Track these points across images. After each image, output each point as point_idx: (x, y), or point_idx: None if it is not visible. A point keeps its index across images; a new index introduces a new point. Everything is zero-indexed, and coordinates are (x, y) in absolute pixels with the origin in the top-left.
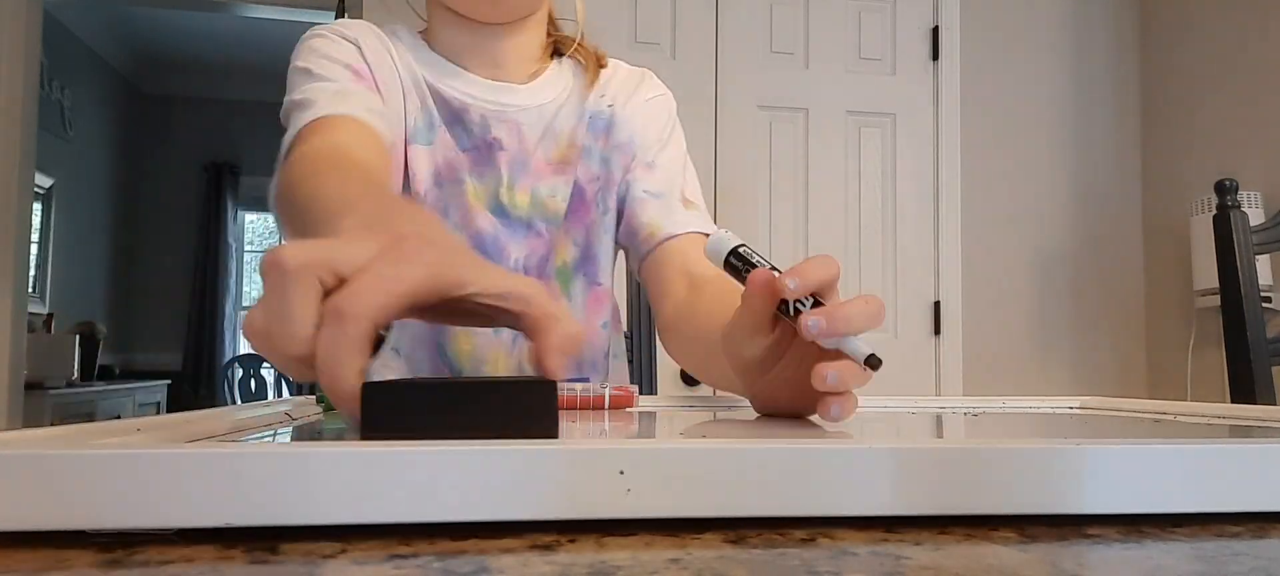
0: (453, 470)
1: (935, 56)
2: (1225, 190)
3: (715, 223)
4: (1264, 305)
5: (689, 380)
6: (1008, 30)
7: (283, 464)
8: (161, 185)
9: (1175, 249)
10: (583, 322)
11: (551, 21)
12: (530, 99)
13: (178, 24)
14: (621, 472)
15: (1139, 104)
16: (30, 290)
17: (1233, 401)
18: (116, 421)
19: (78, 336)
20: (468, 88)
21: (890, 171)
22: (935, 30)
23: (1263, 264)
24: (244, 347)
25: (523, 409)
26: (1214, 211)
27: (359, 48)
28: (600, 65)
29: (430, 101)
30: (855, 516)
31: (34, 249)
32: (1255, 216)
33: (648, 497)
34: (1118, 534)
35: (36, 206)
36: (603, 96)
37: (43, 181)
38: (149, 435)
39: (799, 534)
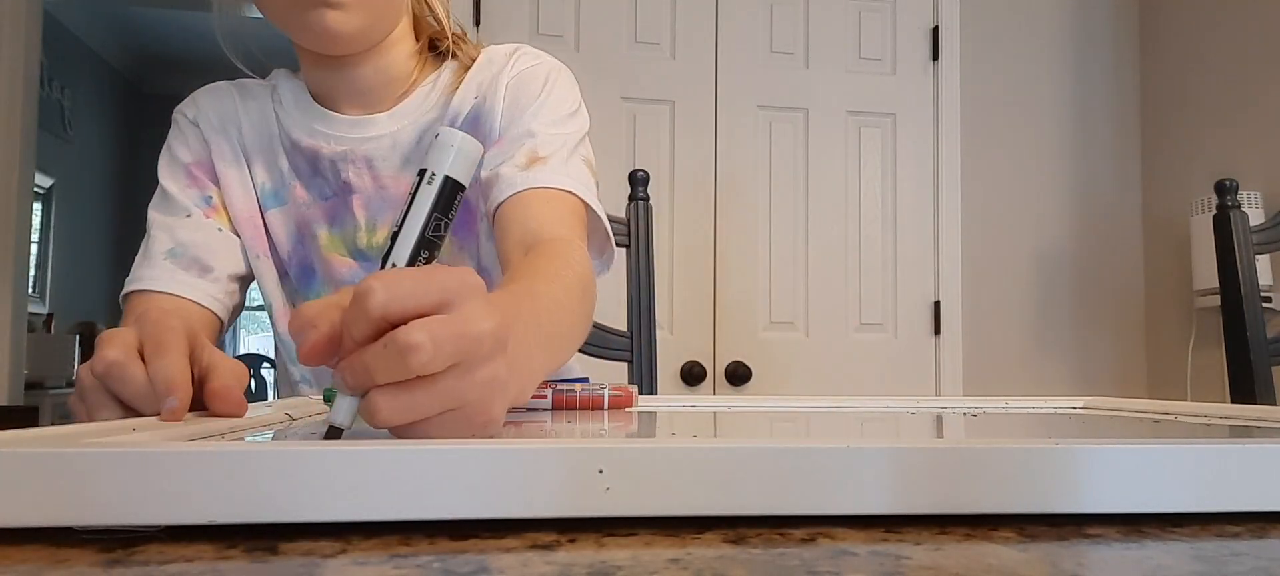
0: (453, 470)
1: (935, 56)
2: (1225, 190)
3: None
4: (1264, 305)
5: (689, 380)
6: (1008, 30)
7: (283, 463)
8: None
9: (1175, 249)
10: None
11: (419, 25)
12: (388, 126)
13: (178, 24)
14: (600, 471)
15: (1139, 104)
16: (30, 290)
17: (1233, 401)
18: (116, 421)
19: (78, 336)
20: (328, 129)
21: (890, 171)
22: (935, 30)
23: (1263, 264)
24: (244, 348)
25: None
26: (1214, 211)
27: (199, 130)
28: (472, 58)
29: (283, 161)
30: (855, 516)
31: (34, 249)
32: (1255, 216)
33: (632, 497)
34: (1118, 534)
35: (36, 206)
36: (474, 95)
37: (43, 181)
38: (149, 434)
39: (799, 534)
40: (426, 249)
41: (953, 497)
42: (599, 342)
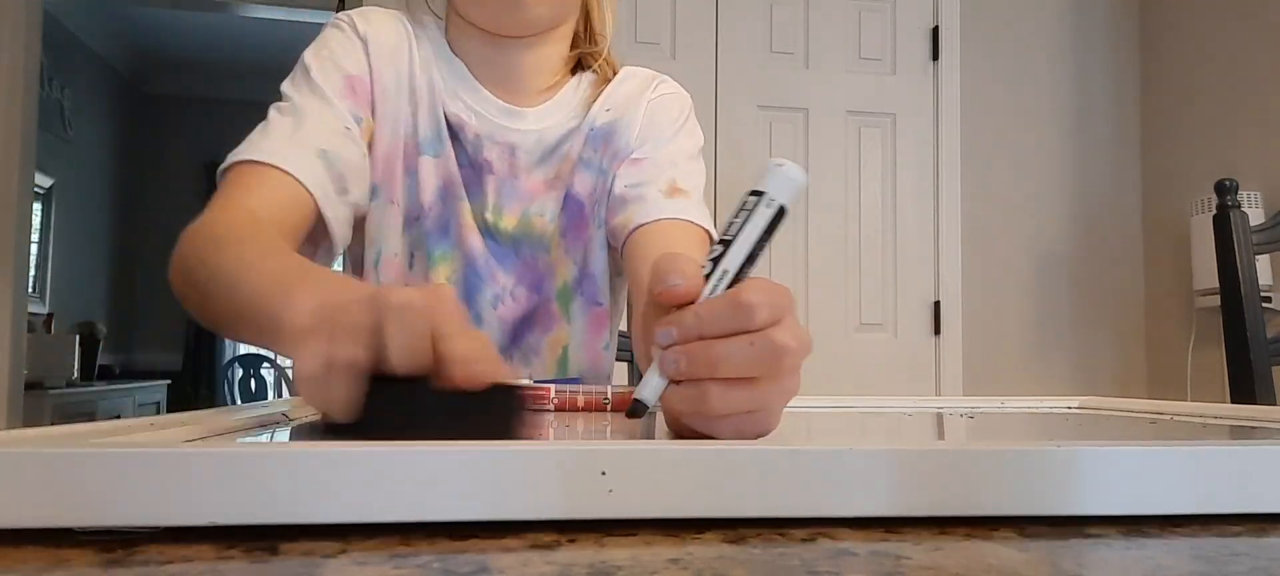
0: (454, 471)
1: (935, 56)
2: (1225, 190)
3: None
4: (1264, 305)
5: None
6: (1008, 30)
7: (283, 463)
8: (161, 185)
9: (1175, 249)
10: (584, 344)
11: (580, 33)
12: (535, 123)
13: (178, 24)
14: (603, 473)
15: (1139, 104)
16: (30, 290)
17: (1233, 401)
18: (115, 421)
19: (78, 336)
20: (473, 103)
21: (890, 171)
22: (935, 30)
23: (1263, 264)
24: (244, 348)
25: (488, 412)
26: (1214, 211)
27: (366, 49)
28: (610, 75)
29: (441, 112)
30: (855, 516)
31: (34, 249)
32: (1255, 216)
33: (634, 498)
34: (1118, 534)
35: (36, 206)
36: (607, 109)
37: (43, 181)
38: (149, 434)
39: (799, 534)
40: (751, 264)
41: (953, 498)
42: None
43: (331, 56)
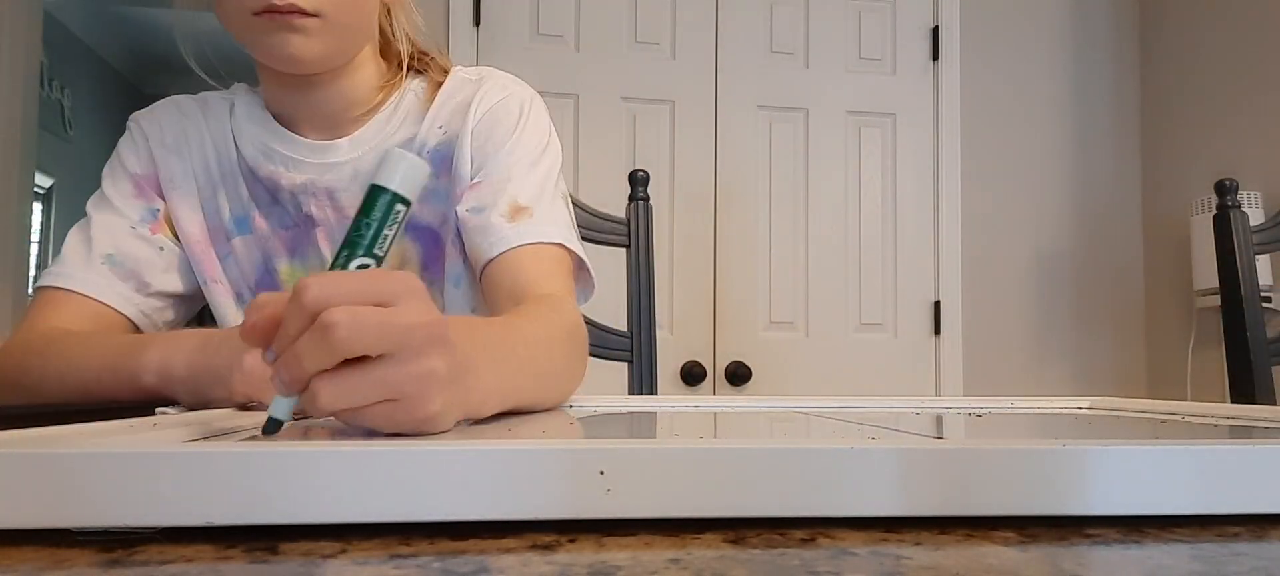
0: (454, 471)
1: (935, 56)
2: (1225, 190)
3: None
4: (1264, 305)
5: (689, 380)
6: (1008, 30)
7: (283, 463)
8: None
9: (1175, 249)
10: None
11: (387, 48)
12: (350, 152)
13: (178, 24)
14: (602, 472)
15: (1139, 104)
16: (30, 290)
17: (1232, 401)
18: (115, 421)
19: None
20: (287, 151)
21: (890, 171)
22: (935, 30)
23: (1263, 264)
24: None
25: None
26: (1214, 211)
27: (148, 145)
28: (438, 80)
29: (243, 189)
30: (855, 516)
31: (34, 249)
32: (1255, 216)
33: (633, 497)
34: (1118, 534)
35: (36, 206)
36: (439, 126)
37: (43, 181)
38: (149, 434)
39: (799, 534)
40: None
41: (953, 498)
42: (599, 343)
43: (120, 162)
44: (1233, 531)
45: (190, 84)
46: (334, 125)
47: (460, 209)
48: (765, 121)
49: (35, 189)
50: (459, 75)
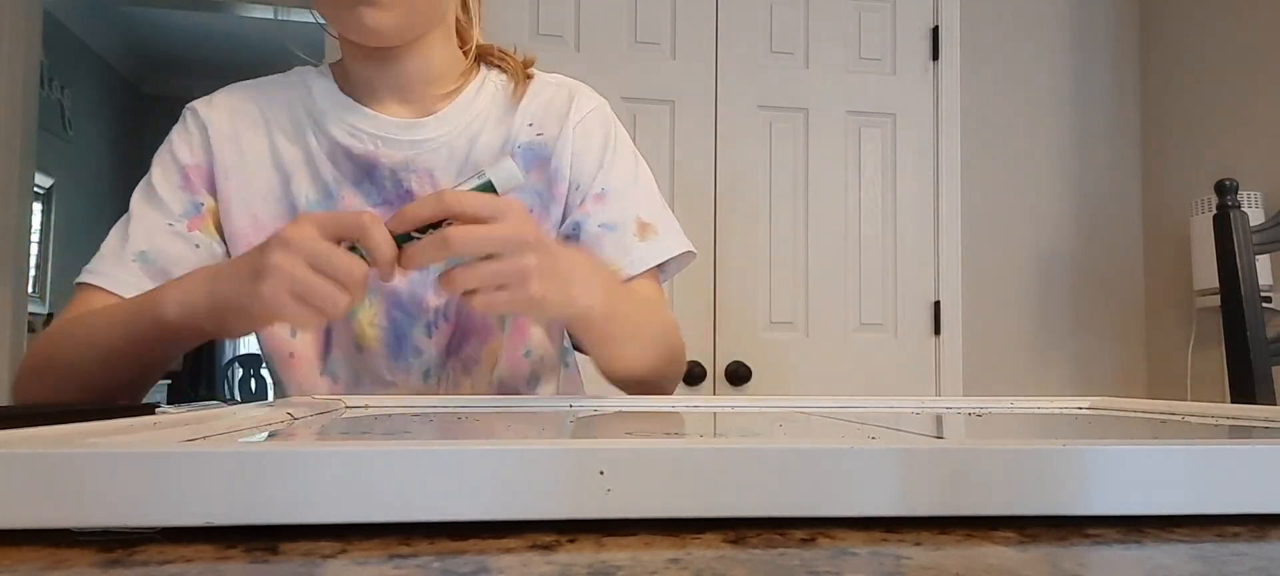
0: (454, 471)
1: (935, 56)
2: (1225, 190)
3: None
4: (1264, 305)
5: (689, 380)
6: (1008, 30)
7: (283, 463)
8: None
9: (1175, 249)
10: (508, 350)
11: (464, 30)
12: (437, 129)
13: (178, 24)
14: (602, 472)
15: (1139, 104)
16: (30, 290)
17: (1233, 401)
18: (115, 421)
19: None
20: (374, 130)
21: (890, 171)
22: (935, 30)
23: (1263, 264)
24: (244, 348)
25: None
26: (1214, 211)
27: (205, 136)
28: (527, 76)
29: (326, 169)
30: (855, 516)
31: (34, 249)
32: (1255, 216)
33: (633, 497)
34: (1118, 534)
35: (36, 206)
36: (530, 123)
37: (43, 181)
38: (149, 434)
39: (799, 534)
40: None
41: (953, 498)
42: None
43: (171, 151)
44: (1233, 531)
45: (191, 83)
46: (413, 100)
47: (591, 222)
48: (765, 121)
49: (35, 189)
50: (542, 80)
